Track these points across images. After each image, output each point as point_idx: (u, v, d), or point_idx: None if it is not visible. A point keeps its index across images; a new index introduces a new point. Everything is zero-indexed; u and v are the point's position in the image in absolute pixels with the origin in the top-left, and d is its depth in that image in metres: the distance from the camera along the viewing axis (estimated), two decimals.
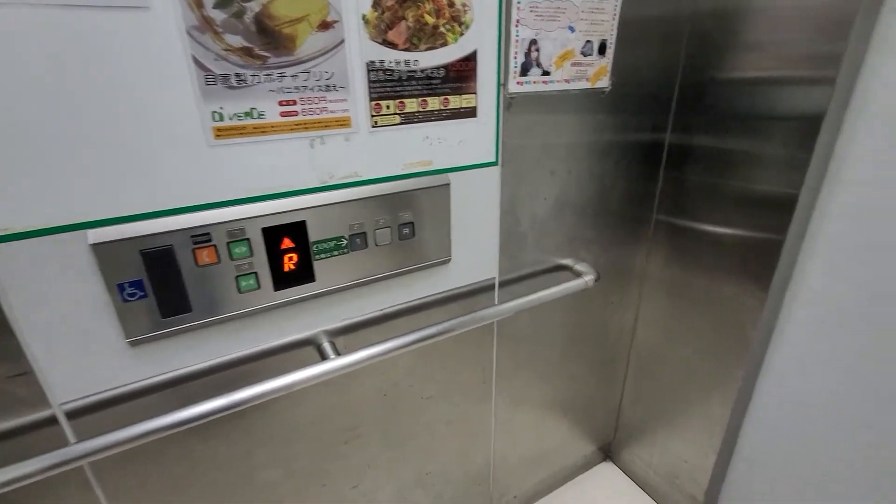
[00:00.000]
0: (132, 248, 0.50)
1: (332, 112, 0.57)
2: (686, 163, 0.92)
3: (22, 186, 0.44)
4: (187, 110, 0.49)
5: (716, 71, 0.83)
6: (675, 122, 0.92)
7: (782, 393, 0.91)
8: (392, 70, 0.59)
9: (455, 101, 0.66)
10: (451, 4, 0.60)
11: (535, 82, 0.72)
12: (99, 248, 0.48)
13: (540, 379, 1.06)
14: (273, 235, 0.58)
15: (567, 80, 0.75)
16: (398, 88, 0.61)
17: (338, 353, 0.66)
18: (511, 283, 0.86)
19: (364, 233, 0.65)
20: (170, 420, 0.54)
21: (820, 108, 0.70)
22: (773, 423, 0.95)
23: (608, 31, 0.75)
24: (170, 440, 0.62)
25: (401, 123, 0.63)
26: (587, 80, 0.77)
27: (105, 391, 0.56)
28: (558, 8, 0.69)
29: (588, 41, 0.74)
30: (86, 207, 0.48)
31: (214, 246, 0.54)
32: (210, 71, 0.49)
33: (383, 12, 0.56)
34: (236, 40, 0.49)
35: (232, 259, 0.56)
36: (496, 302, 0.86)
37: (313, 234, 0.61)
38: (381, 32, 0.57)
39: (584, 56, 0.75)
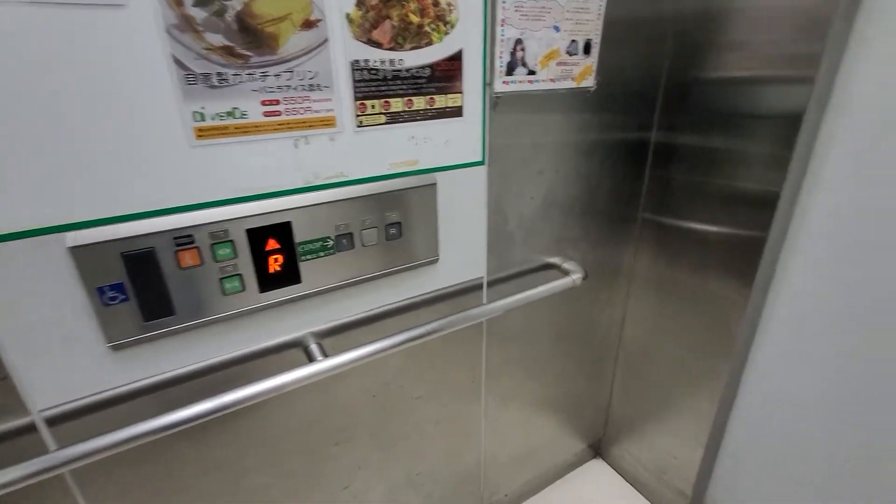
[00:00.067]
0: (112, 250, 0.49)
1: (316, 112, 0.57)
2: (671, 161, 0.93)
3: None
4: (167, 110, 0.48)
5: (699, 71, 0.84)
6: (661, 121, 0.93)
7: (766, 389, 0.93)
8: (377, 69, 0.59)
9: (441, 101, 0.66)
10: (436, 4, 0.60)
11: (520, 82, 0.72)
12: (77, 251, 0.47)
13: (529, 377, 1.06)
14: (258, 237, 0.57)
15: (553, 80, 0.75)
16: (383, 88, 0.60)
17: (325, 355, 0.66)
18: (499, 282, 0.87)
19: (350, 233, 0.64)
20: (154, 425, 0.54)
21: (800, 107, 0.71)
22: (757, 419, 0.96)
23: (593, 30, 0.76)
24: (155, 446, 0.60)
25: (386, 123, 0.62)
26: (573, 79, 0.77)
27: (86, 397, 0.55)
28: (543, 7, 0.69)
29: (573, 41, 0.74)
30: (63, 210, 0.47)
31: (197, 248, 0.54)
32: (190, 70, 0.48)
33: (367, 11, 0.56)
34: (217, 39, 0.48)
35: (216, 261, 0.55)
36: (485, 301, 0.86)
37: (299, 235, 0.60)
38: (366, 31, 0.57)
39: (570, 55, 0.75)
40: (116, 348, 0.54)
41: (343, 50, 0.56)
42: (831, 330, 0.80)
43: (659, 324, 1.07)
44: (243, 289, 0.58)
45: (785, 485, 0.94)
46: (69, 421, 0.55)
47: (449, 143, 0.69)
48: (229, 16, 0.48)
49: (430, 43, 0.62)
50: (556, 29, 0.72)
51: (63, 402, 0.54)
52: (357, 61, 0.57)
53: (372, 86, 0.59)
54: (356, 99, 0.59)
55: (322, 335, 0.70)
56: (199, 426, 0.58)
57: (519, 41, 0.69)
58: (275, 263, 0.60)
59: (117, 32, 0.44)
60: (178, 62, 0.47)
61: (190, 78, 0.48)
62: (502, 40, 0.68)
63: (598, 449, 1.37)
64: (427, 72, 0.63)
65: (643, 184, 0.99)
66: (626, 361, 1.19)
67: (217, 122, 0.51)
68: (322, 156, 0.59)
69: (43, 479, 0.49)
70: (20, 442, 0.53)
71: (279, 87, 0.53)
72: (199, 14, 0.47)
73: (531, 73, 0.72)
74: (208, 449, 0.68)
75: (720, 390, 0.96)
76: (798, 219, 0.80)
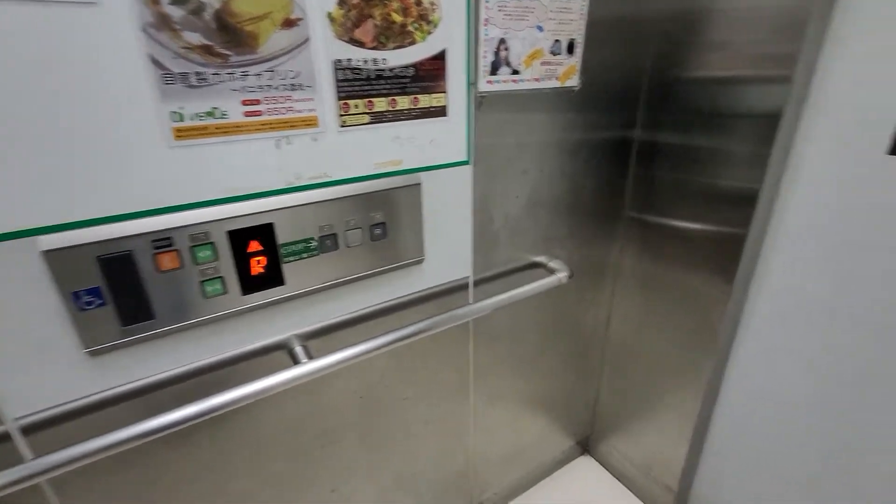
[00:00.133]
0: (88, 254, 0.48)
1: (298, 112, 0.56)
2: (655, 160, 0.94)
3: None
4: (145, 110, 0.47)
5: (681, 70, 0.85)
6: (644, 120, 0.94)
7: (748, 385, 0.94)
8: (360, 69, 0.59)
9: (425, 101, 0.65)
10: (419, 3, 0.60)
11: (505, 81, 0.72)
12: (51, 256, 0.46)
13: (517, 376, 1.06)
14: (239, 238, 0.56)
15: (537, 79, 0.75)
16: (367, 87, 0.60)
17: (311, 357, 0.65)
18: (486, 281, 0.87)
19: (335, 234, 0.64)
20: (134, 431, 0.53)
21: (778, 106, 0.72)
22: (740, 414, 0.98)
23: (576, 30, 0.76)
24: (138, 452, 0.59)
25: (370, 123, 0.62)
26: (557, 78, 0.78)
27: (64, 404, 0.54)
28: (526, 7, 0.69)
29: (557, 40, 0.75)
30: (36, 213, 0.45)
31: (177, 250, 0.53)
32: (168, 69, 0.47)
33: (349, 10, 0.55)
34: (195, 38, 0.47)
35: (196, 264, 0.54)
36: (471, 301, 0.86)
37: (282, 237, 0.59)
38: (348, 31, 0.56)
39: (554, 55, 0.75)
40: (94, 354, 0.52)
41: (325, 49, 0.55)
42: (811, 325, 0.81)
43: (644, 321, 1.08)
44: (225, 291, 0.58)
45: (769, 479, 0.96)
46: (46, 429, 0.54)
47: (434, 142, 0.69)
48: (207, 14, 0.47)
49: (413, 42, 0.61)
50: (540, 29, 0.72)
51: (39, 409, 0.52)
52: (339, 61, 0.57)
53: (355, 85, 0.59)
54: (339, 98, 0.58)
55: (307, 337, 0.69)
56: (182, 431, 0.56)
57: (502, 41, 0.69)
58: (257, 265, 0.59)
59: (90, 31, 0.43)
60: (155, 61, 0.46)
61: (168, 77, 0.47)
62: (486, 40, 0.68)
63: (586, 446, 1.38)
64: (411, 71, 0.62)
65: (627, 182, 1.00)
66: (613, 358, 1.20)
67: (196, 123, 0.50)
68: (305, 156, 0.59)
69: (19, 488, 0.47)
70: None
71: (260, 87, 0.53)
72: (175, 12, 0.46)
73: (515, 72, 0.72)
74: (193, 454, 0.66)
75: (704, 386, 0.98)
76: (778, 215, 0.81)
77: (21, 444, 0.52)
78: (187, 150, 0.51)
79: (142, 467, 0.63)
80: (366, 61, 0.59)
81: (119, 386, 0.57)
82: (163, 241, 0.51)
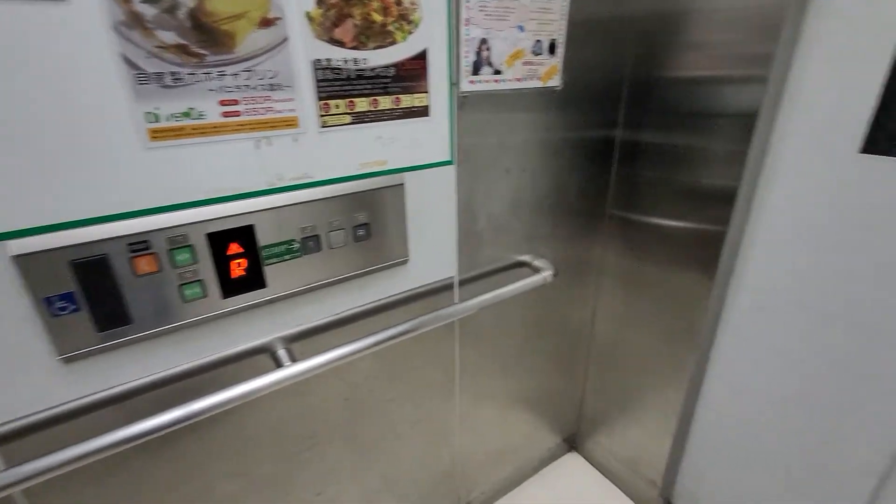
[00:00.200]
0: (60, 258, 0.47)
1: (278, 112, 0.55)
2: (636, 159, 0.95)
3: None
4: (118, 111, 0.46)
5: (661, 70, 0.86)
6: (626, 119, 0.95)
7: (730, 380, 0.96)
8: (340, 69, 0.58)
9: (407, 101, 0.65)
10: (399, 3, 0.60)
11: (487, 81, 0.72)
12: (21, 260, 0.45)
13: (503, 375, 1.07)
14: (219, 241, 0.55)
15: (519, 79, 0.76)
16: (347, 87, 0.60)
17: (294, 360, 0.65)
18: (471, 281, 0.87)
19: (317, 235, 0.63)
20: (112, 439, 0.52)
21: (754, 105, 0.74)
22: (721, 408, 0.99)
23: (557, 30, 0.77)
24: (118, 460, 0.58)
25: (352, 123, 0.62)
26: (539, 78, 0.78)
27: (38, 412, 0.52)
28: (507, 7, 0.70)
29: (538, 40, 0.75)
30: (5, 216, 0.44)
31: (154, 254, 0.52)
32: (142, 69, 0.46)
33: (328, 9, 0.55)
34: (170, 37, 0.46)
35: (174, 267, 0.53)
36: (456, 300, 0.86)
37: (262, 239, 0.59)
38: (328, 30, 0.56)
39: (535, 55, 0.76)
40: (68, 360, 0.51)
41: (304, 49, 0.54)
42: (790, 320, 0.83)
43: (628, 318, 1.09)
44: (205, 295, 0.57)
45: (750, 473, 0.98)
46: (20, 438, 0.52)
47: (416, 142, 0.69)
48: (181, 13, 0.46)
49: (393, 42, 0.61)
50: (521, 29, 0.72)
51: (11, 419, 0.51)
52: (319, 60, 0.56)
53: (335, 85, 0.59)
54: (319, 99, 0.58)
55: (290, 340, 0.68)
56: (164, 437, 0.55)
57: (484, 41, 0.69)
58: (238, 268, 0.58)
59: (60, 29, 0.42)
60: (128, 61, 0.45)
61: (141, 77, 0.46)
62: (467, 40, 0.68)
63: (572, 443, 1.39)
64: (392, 71, 0.62)
65: (610, 181, 1.01)
66: (598, 355, 1.21)
67: (173, 123, 0.49)
68: (285, 157, 0.58)
69: None
70: None
71: (238, 87, 0.52)
72: (148, 11, 0.45)
73: (497, 72, 0.73)
74: (175, 459, 0.65)
75: (686, 382, 0.99)
76: (756, 212, 0.83)
77: None
78: (164, 152, 0.50)
79: (122, 475, 0.62)
80: (346, 61, 0.58)
81: (96, 393, 0.55)
82: (139, 245, 0.50)
